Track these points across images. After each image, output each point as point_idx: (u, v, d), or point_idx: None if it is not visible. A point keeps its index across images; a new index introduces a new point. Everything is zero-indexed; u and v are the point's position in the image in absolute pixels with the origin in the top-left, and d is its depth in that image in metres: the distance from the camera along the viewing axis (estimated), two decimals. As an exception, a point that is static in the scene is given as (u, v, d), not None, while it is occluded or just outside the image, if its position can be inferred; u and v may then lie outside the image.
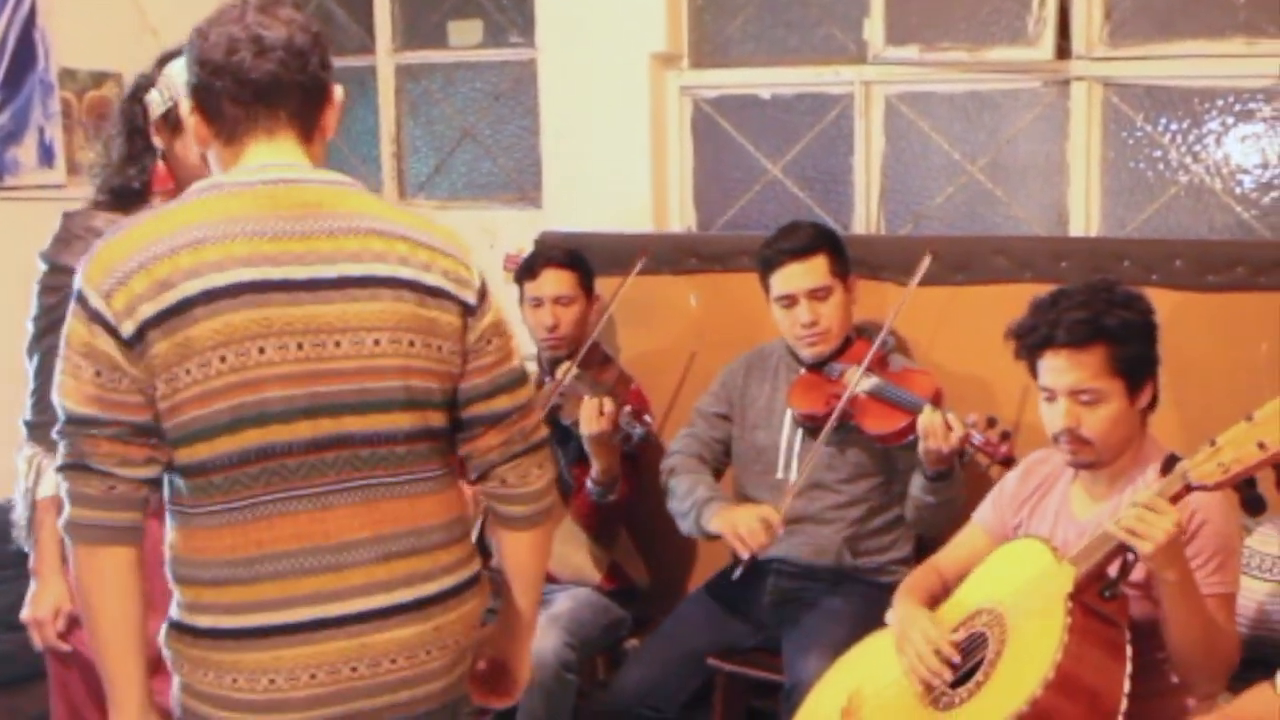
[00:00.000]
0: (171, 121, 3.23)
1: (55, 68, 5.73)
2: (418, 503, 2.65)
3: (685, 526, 4.38)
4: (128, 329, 2.41)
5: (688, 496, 4.35)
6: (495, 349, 2.70)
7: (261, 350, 2.46)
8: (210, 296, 2.43)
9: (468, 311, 2.64)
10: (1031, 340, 3.32)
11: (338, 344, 2.51)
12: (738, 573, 4.16)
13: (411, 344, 2.57)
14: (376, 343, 2.54)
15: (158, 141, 3.30)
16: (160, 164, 3.32)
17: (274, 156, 2.56)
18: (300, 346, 2.48)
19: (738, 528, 4.12)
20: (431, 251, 2.61)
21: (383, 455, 2.59)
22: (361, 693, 2.60)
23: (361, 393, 2.54)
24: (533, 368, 4.70)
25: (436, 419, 2.67)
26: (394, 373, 2.56)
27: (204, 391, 2.45)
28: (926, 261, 4.35)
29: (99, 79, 5.89)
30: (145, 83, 3.33)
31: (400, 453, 2.62)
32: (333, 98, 2.66)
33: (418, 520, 2.64)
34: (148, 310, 2.41)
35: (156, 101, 3.27)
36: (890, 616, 3.51)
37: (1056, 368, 3.28)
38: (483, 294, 2.67)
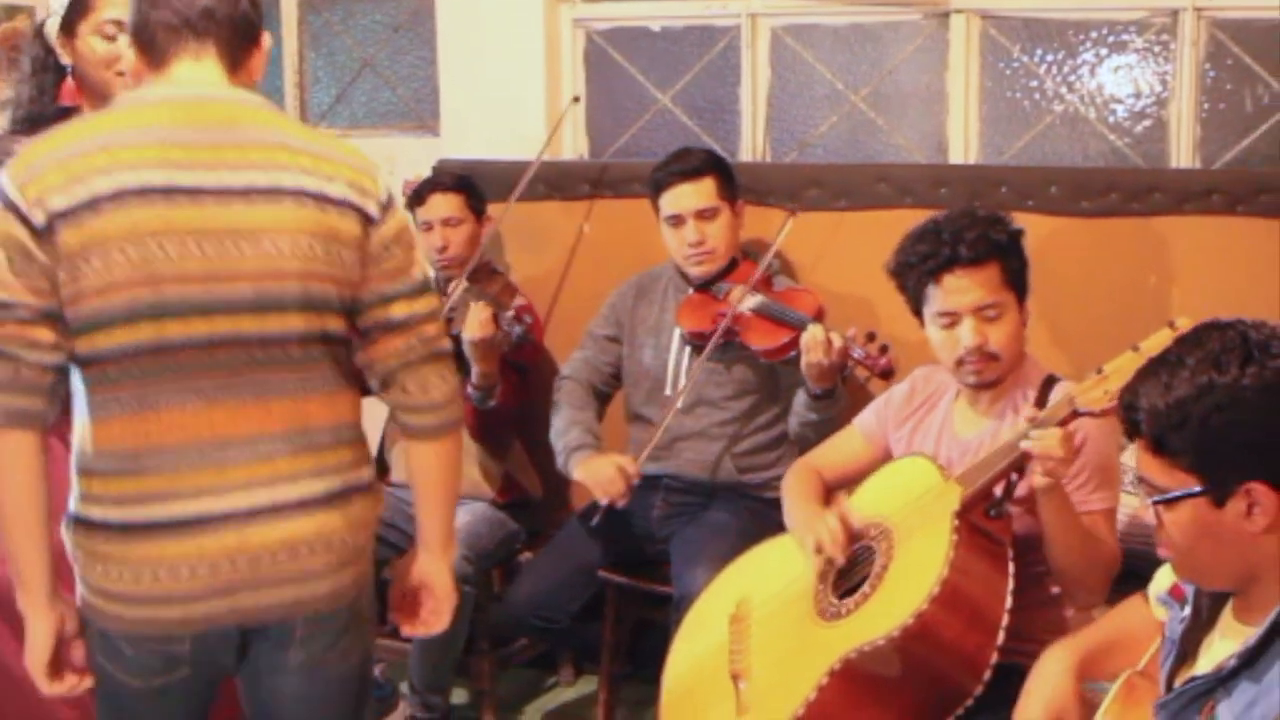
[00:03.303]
0: (66, 27, 3.20)
1: (-30, -1, 5.56)
2: (307, 404, 2.58)
3: (558, 464, 4.33)
4: (38, 218, 2.38)
5: (561, 437, 4.30)
6: (395, 257, 2.63)
7: (163, 248, 2.42)
8: (119, 195, 2.40)
9: (369, 221, 2.58)
10: (932, 265, 3.19)
11: (238, 246, 2.47)
12: (596, 520, 4.15)
13: (311, 248, 2.52)
14: (276, 246, 2.49)
15: (65, 57, 3.25)
16: (69, 80, 3.26)
17: (197, 74, 2.54)
18: (201, 247, 2.44)
19: (597, 477, 4.11)
20: (335, 164, 2.56)
21: (276, 356, 2.54)
22: (241, 587, 2.53)
23: (259, 293, 2.49)
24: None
25: (334, 324, 2.60)
26: (293, 276, 2.51)
27: (104, 284, 2.41)
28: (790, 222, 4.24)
29: (11, 11, 5.66)
30: (43, 22, 3.33)
31: (294, 355, 2.55)
32: (261, 43, 2.65)
33: (306, 421, 2.58)
34: (59, 203, 2.38)
35: (52, 22, 3.23)
36: (789, 520, 3.43)
37: (960, 287, 3.17)
38: (386, 206, 2.61)
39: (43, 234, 2.38)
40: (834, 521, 3.18)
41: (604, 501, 4.08)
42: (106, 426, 2.48)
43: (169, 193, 2.42)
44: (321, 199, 2.52)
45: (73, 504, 2.54)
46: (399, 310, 2.64)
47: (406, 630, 2.91)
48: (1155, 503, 2.13)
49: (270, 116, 2.57)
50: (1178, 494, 2.10)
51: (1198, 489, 2.09)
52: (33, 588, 2.51)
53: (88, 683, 2.60)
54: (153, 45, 2.54)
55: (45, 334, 2.42)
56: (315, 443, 2.58)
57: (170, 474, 2.48)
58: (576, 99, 4.64)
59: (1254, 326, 2.11)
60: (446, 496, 2.80)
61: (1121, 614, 2.68)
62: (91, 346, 2.45)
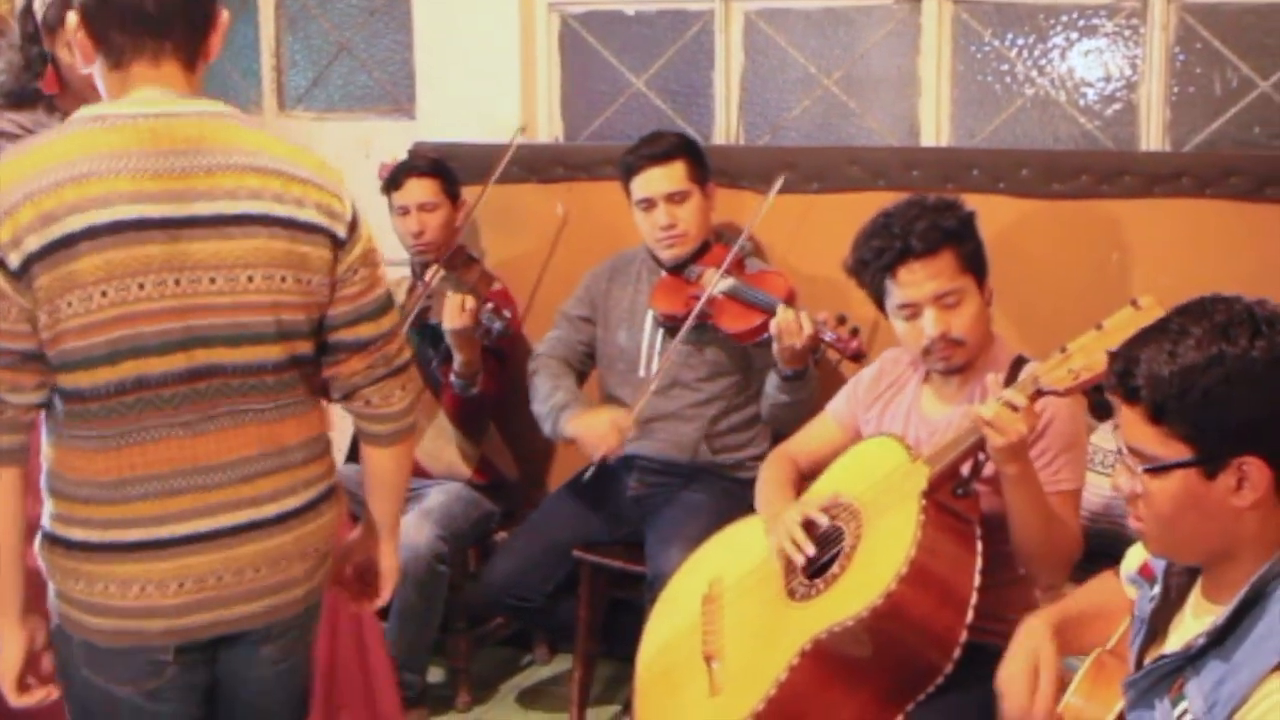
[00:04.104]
0: (49, 23, 3.15)
1: (-48, -25, 5.46)
2: (282, 426, 2.59)
3: (545, 429, 4.32)
4: (14, 261, 2.32)
5: (546, 400, 4.28)
6: (361, 279, 2.61)
7: (141, 286, 2.38)
8: (94, 233, 2.34)
9: (338, 244, 2.55)
10: (885, 260, 3.19)
11: (212, 280, 2.43)
12: (588, 474, 4.16)
13: (283, 280, 2.50)
14: (250, 279, 2.46)
15: (47, 44, 3.22)
16: (50, 68, 3.22)
17: (158, 86, 2.45)
18: (177, 282, 2.41)
19: (591, 431, 4.10)
20: (304, 185, 2.51)
21: (253, 384, 2.53)
22: (227, 600, 2.56)
23: (235, 326, 2.48)
24: (406, 273, 4.72)
25: (303, 347, 2.59)
26: (266, 308, 2.49)
27: (85, 324, 2.37)
28: (781, 180, 4.26)
29: (-7, -10, 5.59)
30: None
31: (270, 382, 2.55)
32: (218, 22, 2.56)
33: (282, 441, 2.59)
34: (33, 243, 2.32)
35: (38, 9, 3.19)
36: (761, 510, 3.41)
37: (916, 280, 3.16)
38: (353, 225, 2.58)
39: (19, 276, 2.32)
40: (796, 529, 3.13)
41: (597, 456, 4.08)
42: (87, 458, 2.46)
43: (142, 227, 2.36)
44: (293, 226, 2.48)
45: (48, 522, 2.51)
46: (365, 331, 2.64)
47: (354, 606, 2.96)
48: (1145, 471, 2.11)
49: (237, 131, 2.50)
50: (1171, 462, 2.07)
51: (1191, 459, 2.06)
52: (8, 608, 2.50)
53: (55, 693, 2.59)
54: (106, 42, 2.45)
55: (29, 377, 2.39)
56: (291, 461, 2.59)
57: (155, 501, 2.46)
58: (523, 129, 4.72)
59: (1257, 303, 2.09)
60: (399, 493, 2.87)
61: (1097, 586, 2.67)
62: (74, 383, 2.41)
